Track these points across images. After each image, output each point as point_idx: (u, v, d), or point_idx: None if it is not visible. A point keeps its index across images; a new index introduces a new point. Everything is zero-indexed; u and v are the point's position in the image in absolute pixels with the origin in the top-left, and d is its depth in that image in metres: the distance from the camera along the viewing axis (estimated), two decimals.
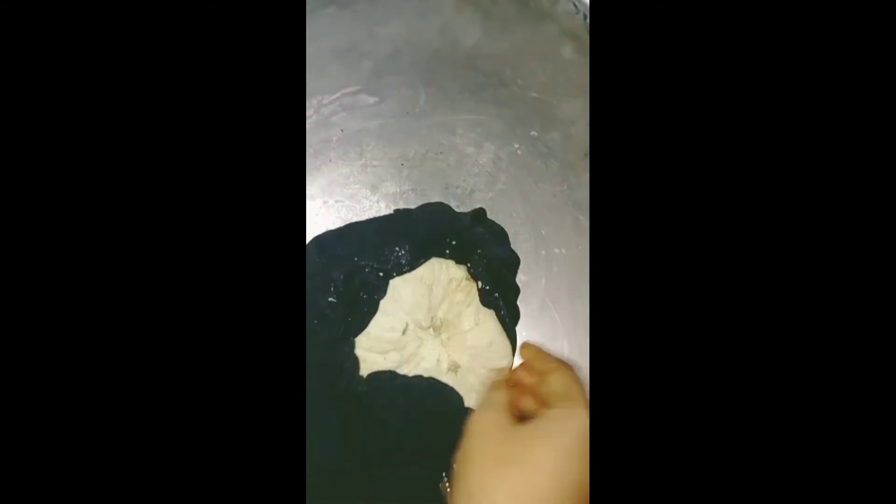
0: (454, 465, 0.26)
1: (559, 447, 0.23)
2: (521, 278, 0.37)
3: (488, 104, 0.31)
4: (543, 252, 0.36)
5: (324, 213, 0.34)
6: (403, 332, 0.31)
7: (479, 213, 0.35)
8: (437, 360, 0.32)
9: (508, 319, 0.34)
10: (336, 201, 0.34)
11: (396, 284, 0.31)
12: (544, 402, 0.27)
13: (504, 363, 0.33)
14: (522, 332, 0.37)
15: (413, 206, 0.35)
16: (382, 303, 0.31)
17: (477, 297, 0.33)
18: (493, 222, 0.35)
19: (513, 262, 0.35)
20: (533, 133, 0.32)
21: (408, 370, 0.31)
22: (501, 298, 0.33)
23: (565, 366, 0.29)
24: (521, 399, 0.29)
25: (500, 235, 0.35)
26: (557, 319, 0.37)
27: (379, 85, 0.30)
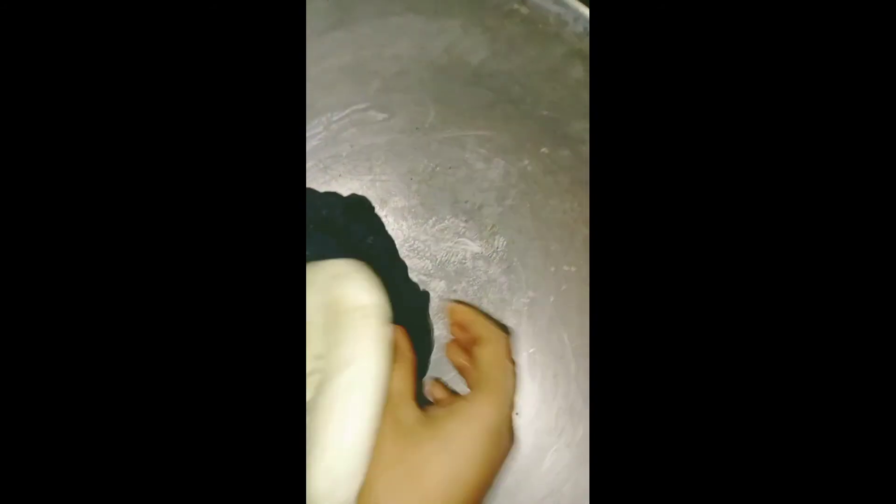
0: None
1: (454, 449, 0.22)
2: (529, 295, 0.37)
3: (498, 120, 0.31)
4: (553, 269, 0.36)
5: None
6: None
7: (355, 205, 0.31)
8: None
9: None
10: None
11: None
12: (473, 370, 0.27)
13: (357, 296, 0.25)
14: (529, 350, 0.37)
15: (421, 221, 0.35)
16: None
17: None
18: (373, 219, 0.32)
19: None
20: (543, 150, 0.32)
21: None
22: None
23: (500, 337, 0.27)
24: (455, 354, 0.29)
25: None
26: (566, 338, 0.36)
27: (388, 101, 0.30)
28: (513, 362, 0.28)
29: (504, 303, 0.37)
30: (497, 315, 0.37)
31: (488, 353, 0.26)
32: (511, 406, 0.26)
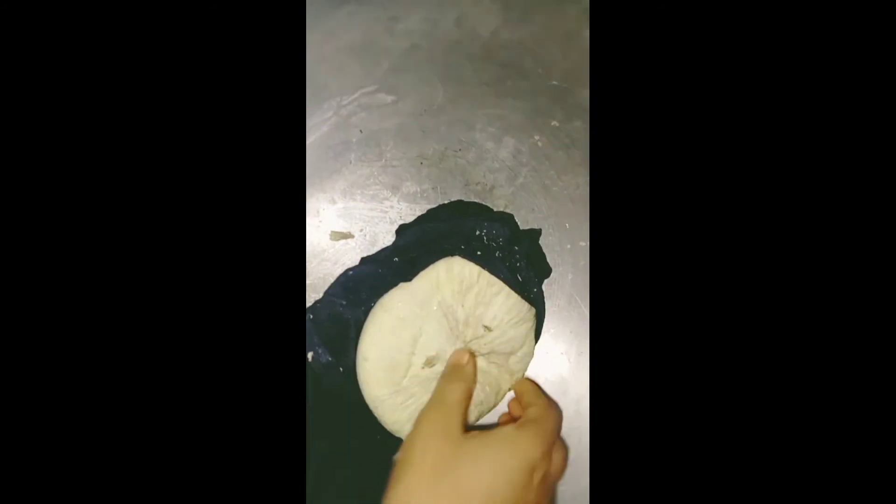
0: (396, 461, 0.25)
1: (495, 469, 0.23)
2: None
3: (507, 96, 0.31)
4: (569, 246, 0.36)
5: (346, 211, 0.34)
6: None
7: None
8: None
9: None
10: (345, 206, 0.34)
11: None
12: None
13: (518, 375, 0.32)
14: (550, 329, 0.36)
15: (433, 205, 0.35)
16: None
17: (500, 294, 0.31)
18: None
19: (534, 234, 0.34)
20: (554, 123, 0.31)
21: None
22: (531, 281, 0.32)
23: (551, 407, 0.29)
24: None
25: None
26: (586, 314, 0.36)
27: (397, 83, 0.30)
28: (561, 440, 0.29)
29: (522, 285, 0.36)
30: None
31: (536, 410, 0.28)
32: (549, 463, 0.26)
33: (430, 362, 0.29)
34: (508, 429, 0.25)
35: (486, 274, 0.30)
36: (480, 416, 0.31)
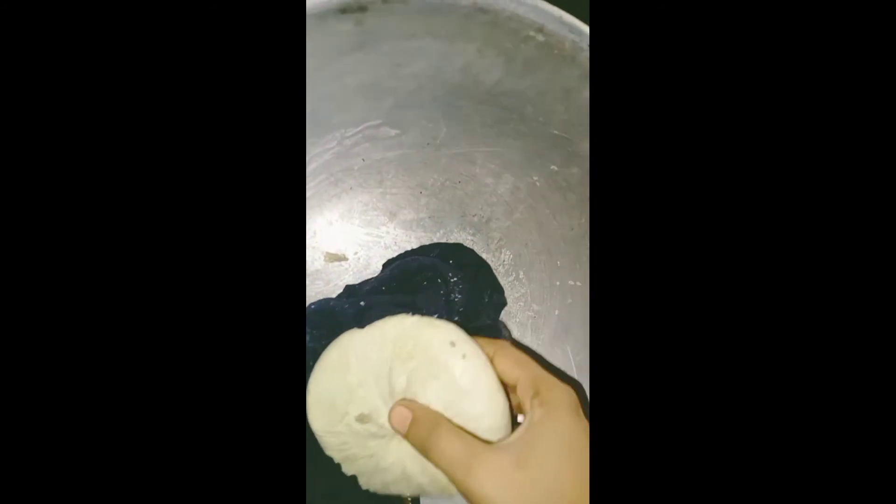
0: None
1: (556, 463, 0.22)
2: (534, 308, 0.37)
3: (509, 137, 0.31)
4: (558, 283, 0.36)
5: (342, 234, 0.34)
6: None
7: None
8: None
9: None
10: (346, 223, 0.35)
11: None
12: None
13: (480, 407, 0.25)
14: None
15: (430, 234, 0.35)
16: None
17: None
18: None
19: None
20: (553, 167, 0.32)
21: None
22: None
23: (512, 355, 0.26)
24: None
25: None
26: (569, 352, 0.37)
27: (401, 118, 0.30)
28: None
29: (509, 315, 0.37)
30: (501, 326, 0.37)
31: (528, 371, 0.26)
32: None
33: (363, 419, 0.27)
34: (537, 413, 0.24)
35: (428, 352, 0.26)
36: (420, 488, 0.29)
